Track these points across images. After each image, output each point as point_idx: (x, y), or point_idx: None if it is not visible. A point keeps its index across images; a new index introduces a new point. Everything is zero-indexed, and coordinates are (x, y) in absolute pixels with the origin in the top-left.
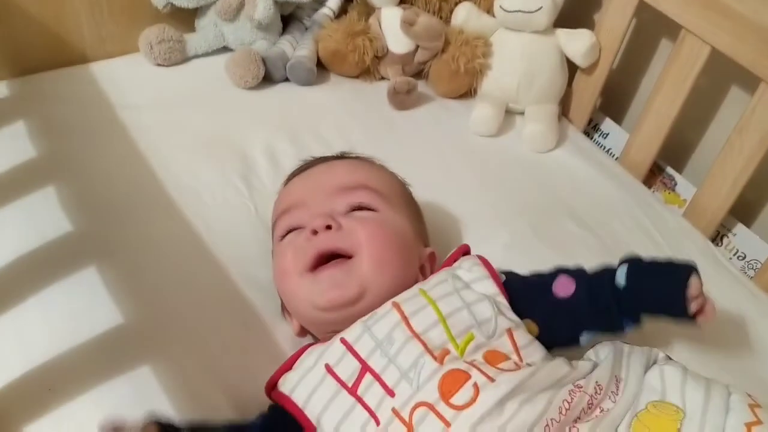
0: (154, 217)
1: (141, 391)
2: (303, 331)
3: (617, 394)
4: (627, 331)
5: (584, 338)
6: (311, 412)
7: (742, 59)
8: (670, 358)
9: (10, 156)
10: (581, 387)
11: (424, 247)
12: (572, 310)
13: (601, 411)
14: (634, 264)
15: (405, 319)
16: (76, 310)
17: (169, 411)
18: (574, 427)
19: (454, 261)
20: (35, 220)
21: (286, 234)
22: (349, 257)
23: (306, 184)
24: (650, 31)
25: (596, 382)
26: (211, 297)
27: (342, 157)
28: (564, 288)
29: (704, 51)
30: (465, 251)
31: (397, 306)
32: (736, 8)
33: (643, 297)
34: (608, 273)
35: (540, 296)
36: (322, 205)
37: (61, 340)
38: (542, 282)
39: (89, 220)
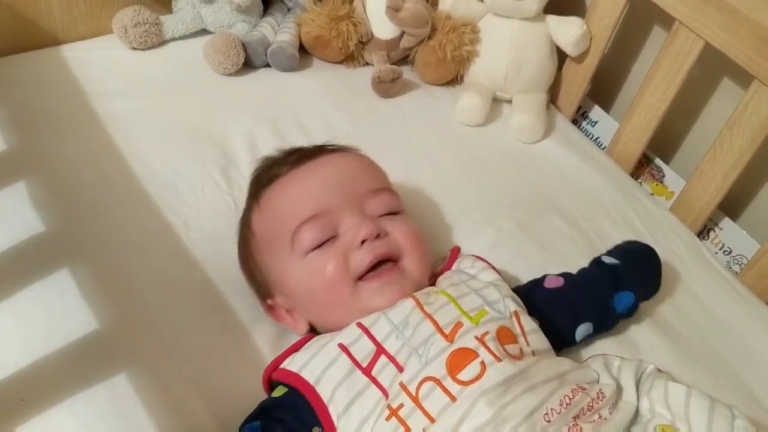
0: (129, 214)
1: (118, 399)
2: (310, 330)
3: (615, 407)
4: (620, 313)
5: (580, 332)
6: (323, 389)
7: (736, 56)
8: (660, 370)
9: None
10: (584, 389)
11: None
12: (565, 299)
13: (600, 417)
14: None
15: (419, 305)
16: (49, 315)
17: (146, 419)
18: (575, 425)
19: (453, 262)
20: (4, 218)
21: (317, 247)
22: (395, 261)
23: (324, 187)
24: (643, 19)
25: (600, 389)
26: (188, 299)
27: (328, 149)
28: (553, 281)
29: (698, 45)
30: (458, 253)
31: (413, 296)
32: (732, 3)
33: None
34: (594, 264)
35: (533, 290)
36: (355, 212)
37: (34, 347)
38: (533, 282)
39: (61, 217)
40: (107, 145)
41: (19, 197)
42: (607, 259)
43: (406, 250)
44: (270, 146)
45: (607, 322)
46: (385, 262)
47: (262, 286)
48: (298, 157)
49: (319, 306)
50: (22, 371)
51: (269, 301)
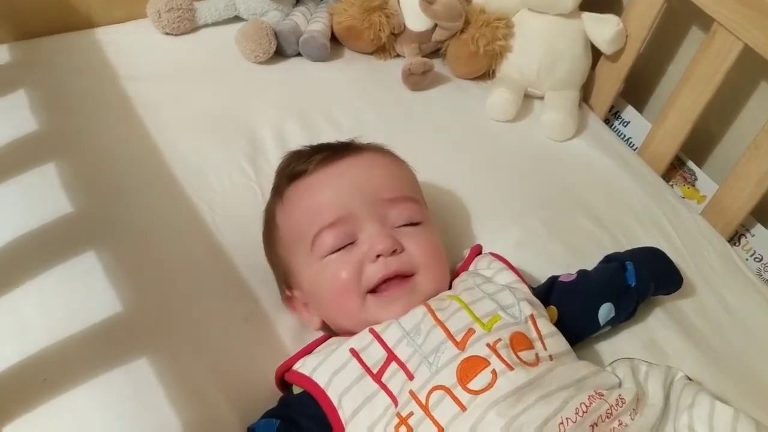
0: (156, 198)
1: (136, 383)
2: (324, 326)
3: (636, 413)
4: (633, 286)
5: (602, 314)
6: (333, 393)
7: None
8: (689, 378)
9: (8, 128)
10: (603, 395)
11: None
12: (581, 286)
13: (620, 424)
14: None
15: (431, 311)
16: (73, 296)
17: (164, 403)
18: None
19: (471, 262)
20: (33, 200)
21: (337, 250)
22: (408, 275)
23: (347, 192)
24: (681, 19)
25: (619, 395)
26: (212, 285)
27: (356, 147)
28: (568, 276)
29: (736, 47)
30: (479, 252)
31: (425, 303)
32: None
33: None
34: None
35: (550, 287)
36: (375, 221)
37: (58, 328)
38: (549, 280)
39: (89, 200)
40: (137, 129)
41: (49, 178)
42: (612, 256)
43: (421, 267)
44: (297, 136)
45: (625, 301)
46: (396, 277)
47: (282, 277)
48: (323, 156)
49: (327, 309)
50: (44, 351)
51: (288, 293)
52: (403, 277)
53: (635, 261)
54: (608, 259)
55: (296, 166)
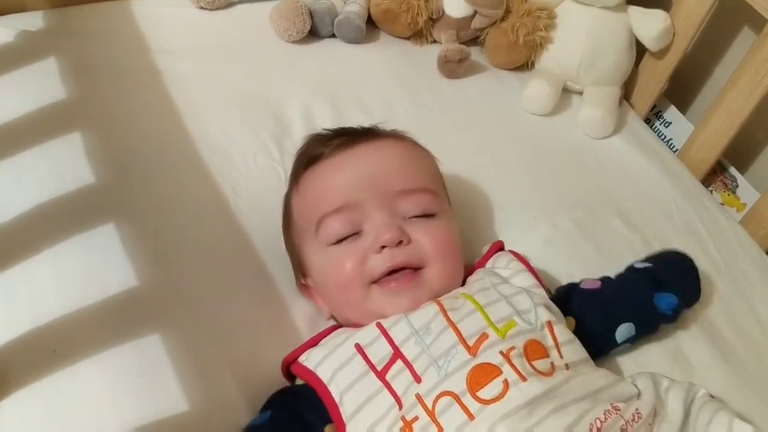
0: (179, 175)
1: (146, 360)
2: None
3: (652, 428)
4: (662, 312)
5: (621, 333)
6: (335, 389)
7: None
8: (712, 396)
9: (38, 95)
10: (619, 410)
11: None
12: (603, 299)
13: None
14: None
15: (443, 311)
16: (89, 267)
17: (173, 382)
18: None
19: (488, 259)
20: (57, 167)
21: (341, 240)
22: (417, 268)
23: (357, 180)
24: (732, 18)
25: (636, 409)
26: (229, 266)
27: (377, 134)
28: (590, 284)
29: None
30: (499, 248)
31: (437, 301)
32: None
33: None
34: (627, 269)
35: (570, 292)
36: (383, 211)
37: (71, 299)
38: (570, 285)
39: (113, 171)
40: (165, 104)
41: (74, 147)
42: (640, 264)
43: (431, 260)
44: (326, 119)
45: (649, 323)
46: (404, 269)
47: (296, 264)
48: (342, 141)
49: (333, 299)
50: (56, 322)
51: (302, 280)
52: (412, 270)
53: (677, 290)
54: (632, 268)
55: (313, 150)
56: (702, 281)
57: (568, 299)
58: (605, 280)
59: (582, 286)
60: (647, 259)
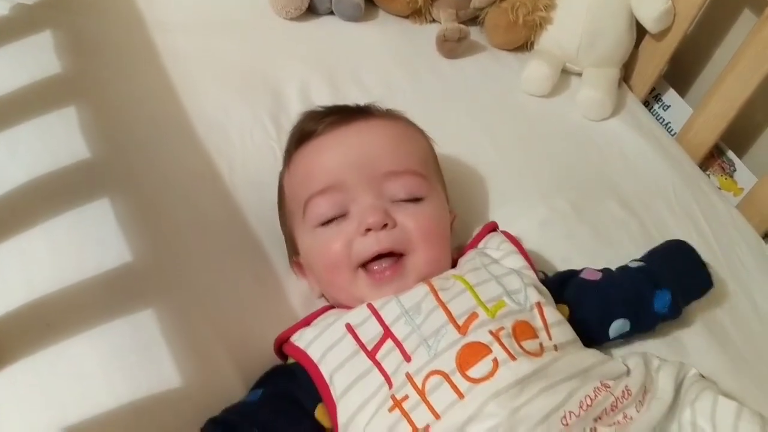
0: (175, 151)
1: (140, 336)
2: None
3: (642, 405)
4: (657, 312)
5: (614, 328)
6: (325, 369)
7: None
8: (702, 376)
9: (33, 68)
10: (608, 387)
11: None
12: (599, 291)
13: (625, 417)
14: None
15: (434, 291)
16: (83, 243)
17: (166, 358)
18: (594, 429)
19: (480, 239)
20: (51, 142)
21: (328, 221)
22: (402, 254)
23: (344, 160)
24: (732, 0)
25: (626, 386)
26: (225, 243)
27: (370, 113)
28: (591, 274)
29: None
30: (492, 228)
31: (428, 282)
32: None
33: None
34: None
35: (568, 279)
36: (369, 193)
37: (65, 272)
38: (570, 271)
39: (108, 146)
40: (162, 80)
41: (69, 122)
42: (634, 264)
43: (416, 245)
44: (323, 96)
45: (645, 322)
46: (390, 255)
47: (288, 243)
48: (334, 119)
49: (321, 280)
50: (50, 296)
51: (295, 258)
52: (397, 256)
53: (673, 288)
54: (637, 268)
55: (305, 127)
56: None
57: (565, 286)
58: (606, 272)
59: (582, 275)
60: (648, 255)
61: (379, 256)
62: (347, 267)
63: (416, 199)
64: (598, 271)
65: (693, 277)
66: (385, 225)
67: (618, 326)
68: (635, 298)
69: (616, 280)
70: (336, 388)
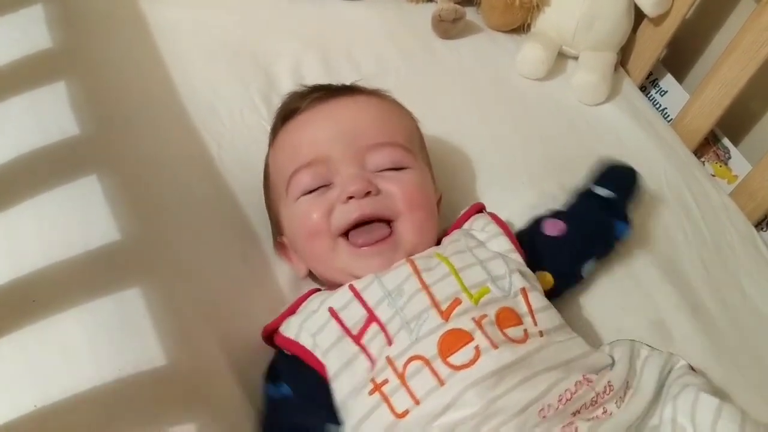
0: (164, 128)
1: (126, 313)
2: (309, 275)
3: (623, 401)
4: (622, 239)
5: (586, 270)
6: (319, 353)
7: None
8: (692, 368)
9: (23, 42)
10: (591, 381)
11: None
12: (570, 246)
13: (604, 412)
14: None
15: (417, 272)
16: (70, 219)
17: (152, 337)
18: (572, 423)
19: (466, 220)
20: (40, 117)
21: (310, 192)
22: (387, 221)
23: (328, 134)
24: None
25: (608, 381)
26: (213, 222)
27: (355, 90)
28: (552, 227)
29: None
30: (478, 209)
31: (410, 261)
32: None
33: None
34: (586, 196)
35: (534, 239)
36: (352, 165)
37: (52, 248)
38: (531, 230)
39: (97, 123)
40: (152, 55)
41: (58, 97)
42: (602, 191)
43: (402, 211)
44: (316, 75)
45: (608, 251)
46: (377, 222)
47: (274, 222)
48: (318, 95)
49: (304, 253)
50: (36, 273)
51: (279, 239)
52: (383, 225)
53: (624, 210)
54: (591, 195)
55: (290, 105)
56: (673, 230)
57: (535, 250)
58: (566, 218)
59: (545, 231)
60: (605, 183)
61: (364, 225)
62: (326, 234)
63: (401, 168)
64: (557, 219)
65: (634, 192)
66: (368, 193)
67: (589, 268)
68: (599, 238)
69: (579, 224)
70: (329, 371)
